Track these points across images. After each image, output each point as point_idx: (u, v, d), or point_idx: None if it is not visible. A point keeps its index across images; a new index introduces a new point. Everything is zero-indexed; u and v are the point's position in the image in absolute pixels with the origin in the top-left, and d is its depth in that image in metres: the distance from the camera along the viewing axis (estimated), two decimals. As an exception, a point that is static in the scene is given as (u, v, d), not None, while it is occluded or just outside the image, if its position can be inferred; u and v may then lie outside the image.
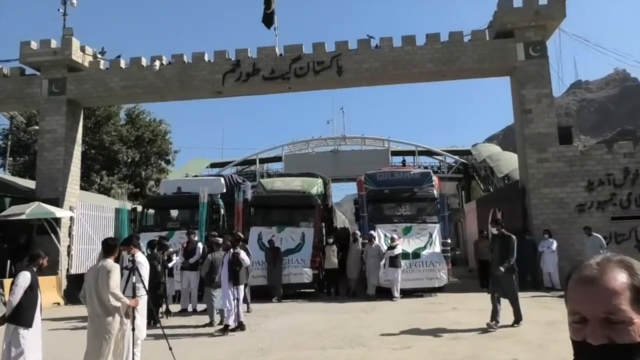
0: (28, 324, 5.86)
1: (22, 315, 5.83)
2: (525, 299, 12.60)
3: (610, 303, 1.04)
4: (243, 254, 9.81)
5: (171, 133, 32.13)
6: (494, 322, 8.88)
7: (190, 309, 12.17)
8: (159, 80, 17.07)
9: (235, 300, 9.37)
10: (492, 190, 33.73)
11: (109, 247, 5.85)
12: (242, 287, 9.71)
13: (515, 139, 16.93)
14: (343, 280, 15.05)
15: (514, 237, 9.25)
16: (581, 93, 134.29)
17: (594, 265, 1.11)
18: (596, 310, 1.05)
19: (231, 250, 9.75)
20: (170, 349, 6.37)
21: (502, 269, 8.89)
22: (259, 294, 13.33)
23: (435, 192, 15.28)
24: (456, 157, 39.72)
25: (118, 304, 5.61)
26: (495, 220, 10.01)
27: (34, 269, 6.07)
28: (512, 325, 8.95)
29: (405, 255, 13.59)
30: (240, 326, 9.43)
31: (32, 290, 5.91)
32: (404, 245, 13.77)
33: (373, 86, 18.30)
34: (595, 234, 13.23)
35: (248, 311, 11.65)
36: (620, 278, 1.07)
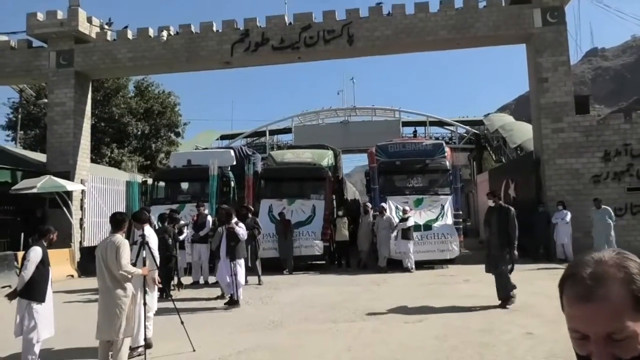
0: (41, 299, 5.86)
1: (35, 290, 5.82)
2: (538, 270, 12.59)
3: (611, 324, 0.96)
4: (239, 228, 9.40)
5: (180, 105, 32.02)
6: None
7: (202, 281, 12.23)
8: (167, 51, 16.83)
9: (233, 276, 9.03)
10: (504, 161, 33.45)
11: (117, 222, 5.71)
12: (239, 261, 9.33)
13: (531, 108, 16.54)
14: (354, 252, 15.02)
15: (512, 209, 8.43)
16: (597, 61, 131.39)
17: (587, 277, 0.98)
18: (597, 330, 0.97)
19: (225, 224, 9.65)
20: (182, 322, 6.36)
21: (516, 253, 8.25)
22: (270, 266, 13.37)
23: (447, 163, 15.12)
24: (468, 127, 39.21)
25: (129, 277, 5.56)
26: (492, 191, 9.02)
27: (45, 244, 6.04)
28: (500, 306, 8.20)
29: (416, 227, 13.51)
30: (231, 302, 9.08)
31: (43, 265, 5.90)
32: (416, 217, 13.67)
33: (385, 55, 17.89)
34: (604, 206, 12.99)
35: (259, 284, 11.71)
36: (617, 290, 0.97)
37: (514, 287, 8.45)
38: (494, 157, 36.96)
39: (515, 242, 8.24)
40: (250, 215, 12.39)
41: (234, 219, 9.66)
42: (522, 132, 30.77)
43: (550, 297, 9.13)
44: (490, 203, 8.76)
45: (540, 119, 15.12)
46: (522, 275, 11.81)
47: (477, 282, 11.20)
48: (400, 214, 13.82)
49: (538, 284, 10.73)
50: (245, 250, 9.77)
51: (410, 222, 13.16)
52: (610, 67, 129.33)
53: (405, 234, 13.09)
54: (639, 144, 14.64)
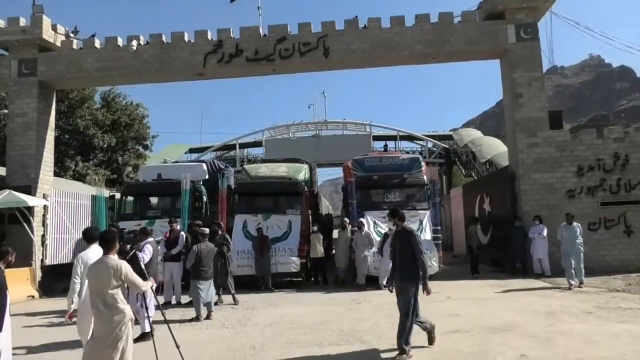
0: None
1: None
2: (517, 286, 12.46)
3: None
4: (141, 253, 8.17)
5: (149, 117, 31.21)
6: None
7: (174, 301, 11.62)
8: (137, 62, 16.22)
9: (141, 305, 7.48)
10: (474, 176, 33.83)
11: (108, 241, 5.09)
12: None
13: (505, 123, 16.60)
14: (329, 268, 14.68)
15: (415, 231, 6.86)
16: (557, 78, 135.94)
17: None
18: None
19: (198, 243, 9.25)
20: (178, 347, 5.90)
21: (428, 287, 6.60)
22: (245, 284, 12.88)
23: (425, 177, 14.96)
24: (437, 142, 39.68)
25: (125, 306, 4.99)
26: (393, 211, 6.93)
27: (2, 267, 5.45)
28: (398, 356, 6.39)
29: (395, 242, 13.19)
30: (143, 336, 7.79)
31: (1, 292, 5.29)
32: (394, 232, 13.37)
33: (361, 69, 17.70)
34: (575, 223, 12.24)
35: (235, 303, 11.21)
36: None
37: (428, 328, 6.96)
38: (463, 171, 37.40)
39: (426, 273, 6.58)
40: (220, 232, 12.01)
41: (148, 239, 8.81)
42: (490, 147, 31.28)
43: (537, 314, 8.96)
44: (391, 226, 6.65)
45: (515, 134, 15.14)
46: (503, 291, 11.69)
47: (460, 299, 10.97)
48: (380, 229, 13.56)
49: (521, 300, 10.57)
50: (153, 274, 8.18)
51: None
52: (569, 84, 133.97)
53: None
54: (611, 159, 14.80)
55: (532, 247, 14.23)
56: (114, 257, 4.99)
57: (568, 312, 9.10)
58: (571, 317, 8.73)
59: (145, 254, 8.46)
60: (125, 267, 4.94)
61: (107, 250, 5.06)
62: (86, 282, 5.67)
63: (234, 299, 11.32)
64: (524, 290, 11.87)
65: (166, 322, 6.20)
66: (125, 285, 5.06)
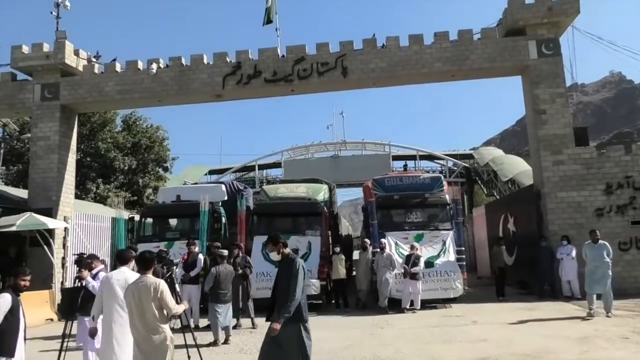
0: (9, 353, 5.10)
1: (2, 343, 5.06)
2: (547, 309, 11.94)
3: None
4: (91, 280, 7.24)
5: (169, 139, 31.48)
6: None
7: (192, 324, 11.35)
8: (156, 84, 16.32)
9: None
10: (495, 195, 33.25)
11: (146, 261, 5.26)
12: (87, 319, 7.03)
13: (528, 140, 16.20)
14: (351, 290, 14.39)
15: (299, 260, 5.61)
16: (577, 96, 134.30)
17: None
18: None
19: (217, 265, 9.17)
20: None
21: (276, 324, 5.19)
22: (265, 307, 12.57)
23: (447, 197, 14.65)
24: (457, 161, 39.27)
25: (166, 326, 5.11)
26: (272, 237, 5.71)
27: (18, 289, 5.32)
28: None
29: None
30: None
31: (12, 315, 5.14)
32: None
33: (379, 87, 17.55)
34: (602, 241, 10.99)
35: (254, 327, 10.96)
36: None
37: None
38: (485, 190, 36.83)
39: (290, 307, 5.28)
40: (240, 254, 11.84)
41: (99, 267, 7.63)
42: (512, 166, 30.71)
43: (570, 339, 8.48)
44: (275, 255, 5.68)
45: (539, 151, 14.75)
46: (532, 314, 11.20)
47: (486, 323, 10.54)
48: (402, 250, 13.31)
49: (551, 324, 10.08)
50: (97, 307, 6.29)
51: (422, 264, 12.67)
52: (590, 101, 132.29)
53: (415, 274, 12.55)
54: (641, 176, 14.27)
55: (561, 269, 13.71)
56: (152, 277, 5.13)
57: (603, 337, 8.61)
58: (607, 342, 8.25)
59: (96, 283, 7.10)
60: (163, 286, 5.05)
61: (145, 270, 5.21)
62: (115, 304, 5.81)
63: (253, 323, 11.07)
64: (554, 314, 11.36)
65: (196, 346, 6.02)
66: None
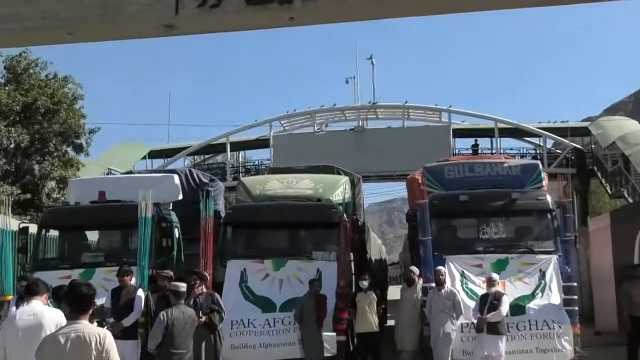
0: None
1: None
2: None
3: None
4: None
5: (84, 100, 31.57)
6: None
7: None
8: (65, 6, 16.46)
9: None
10: (627, 196, 33.25)
11: (83, 300, 5.40)
12: None
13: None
14: (385, 350, 14.55)
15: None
16: None
17: None
18: None
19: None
20: None
21: None
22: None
23: (548, 198, 14.73)
24: (562, 139, 39.20)
25: None
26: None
27: None
28: None
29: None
30: None
31: None
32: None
33: (426, 15, 17.55)
34: None
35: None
36: None
37: None
38: (609, 189, 36.86)
39: None
40: (204, 289, 12.05)
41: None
42: (657, 148, 30.75)
43: None
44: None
45: None
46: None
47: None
48: (473, 286, 13.45)
49: None
50: None
51: (506, 307, 12.63)
52: None
53: (496, 325, 12.52)
54: None
55: None
56: (91, 325, 5.31)
57: None
58: None
59: None
60: (110, 342, 5.19)
61: (80, 312, 5.31)
62: None
63: None
64: None
65: None
66: None
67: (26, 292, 6.63)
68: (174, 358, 9.72)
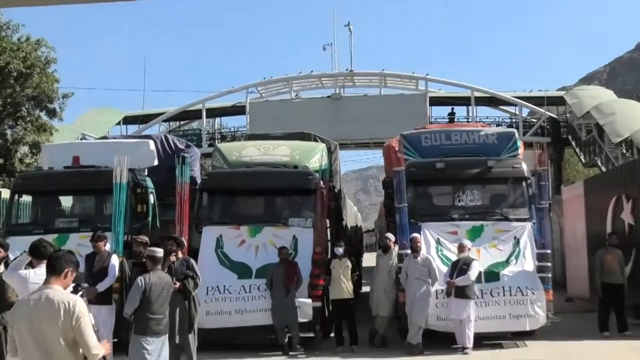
0: None
1: None
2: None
3: None
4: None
5: (57, 64, 30.96)
6: None
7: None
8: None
9: None
10: (600, 165, 33.30)
11: (54, 262, 5.33)
12: None
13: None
14: (360, 316, 14.43)
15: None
16: None
17: None
18: None
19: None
20: None
21: None
22: (221, 344, 12.92)
23: (524, 166, 14.65)
24: (538, 108, 39.27)
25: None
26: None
27: None
28: None
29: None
30: None
31: None
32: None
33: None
34: None
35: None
36: None
37: None
38: (582, 158, 36.96)
39: None
40: (179, 255, 11.82)
41: None
42: (630, 117, 30.75)
43: None
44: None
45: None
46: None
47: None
48: (449, 252, 13.41)
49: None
50: None
51: (475, 272, 12.63)
52: None
53: (463, 290, 12.50)
54: None
55: None
56: (61, 289, 5.18)
57: None
58: None
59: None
60: (81, 309, 5.09)
61: (54, 274, 5.25)
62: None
63: None
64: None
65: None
66: None
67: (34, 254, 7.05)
68: (151, 323, 9.48)
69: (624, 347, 12.74)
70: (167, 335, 9.77)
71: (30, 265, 7.62)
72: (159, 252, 10.24)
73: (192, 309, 11.38)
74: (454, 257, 13.24)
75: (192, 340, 11.38)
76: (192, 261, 11.95)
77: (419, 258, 13.10)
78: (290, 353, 13.10)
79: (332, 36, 44.87)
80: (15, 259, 9.25)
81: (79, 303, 5.14)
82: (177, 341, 10.97)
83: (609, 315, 14.65)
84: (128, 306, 9.59)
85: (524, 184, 14.55)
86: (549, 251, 14.30)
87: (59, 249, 6.07)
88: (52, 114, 30.82)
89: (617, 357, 11.94)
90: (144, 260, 10.89)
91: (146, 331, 9.34)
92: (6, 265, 9.69)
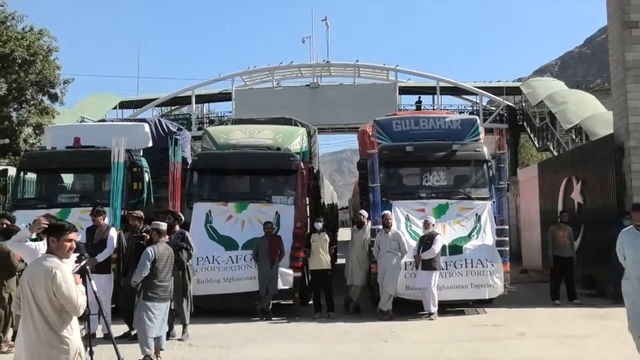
0: None
1: None
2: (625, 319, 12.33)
3: None
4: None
5: (58, 52, 30.74)
6: None
7: (100, 333, 11.48)
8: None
9: None
10: (552, 149, 33.80)
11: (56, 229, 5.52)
12: None
13: (610, 69, 16.42)
14: (337, 285, 14.62)
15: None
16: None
17: None
18: None
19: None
20: None
21: None
22: (208, 310, 13.03)
23: (485, 150, 14.93)
24: (496, 97, 39.66)
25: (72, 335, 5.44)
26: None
27: None
28: None
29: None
30: None
31: None
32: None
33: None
34: None
35: (182, 338, 11.35)
36: None
37: None
38: (536, 143, 37.40)
39: None
40: (177, 227, 12.00)
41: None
42: (579, 106, 31.12)
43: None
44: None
45: (625, 85, 15.00)
46: (604, 325, 11.60)
47: (538, 337, 10.98)
48: (417, 228, 13.63)
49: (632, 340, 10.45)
50: None
51: (439, 246, 12.96)
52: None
53: (429, 262, 12.86)
54: None
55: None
56: (52, 259, 5.34)
57: None
58: None
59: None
60: (60, 274, 5.22)
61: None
62: None
63: (184, 330, 11.45)
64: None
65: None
66: None
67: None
68: (158, 290, 9.73)
69: (572, 314, 13.13)
70: (169, 302, 10.12)
71: (39, 237, 7.78)
72: (163, 225, 10.50)
73: (185, 277, 11.54)
74: (421, 232, 13.46)
75: (186, 306, 11.52)
76: (187, 233, 12.14)
77: (389, 233, 13.33)
78: (273, 319, 13.25)
79: (310, 30, 45.12)
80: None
81: (58, 275, 5.23)
82: (172, 307, 11.21)
83: (560, 285, 15.14)
84: (138, 274, 9.74)
85: (484, 166, 14.75)
86: (506, 227, 14.55)
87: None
88: (53, 98, 30.57)
89: (567, 322, 12.22)
90: (141, 233, 11.28)
91: (154, 298, 9.63)
92: (5, 237, 9.92)
